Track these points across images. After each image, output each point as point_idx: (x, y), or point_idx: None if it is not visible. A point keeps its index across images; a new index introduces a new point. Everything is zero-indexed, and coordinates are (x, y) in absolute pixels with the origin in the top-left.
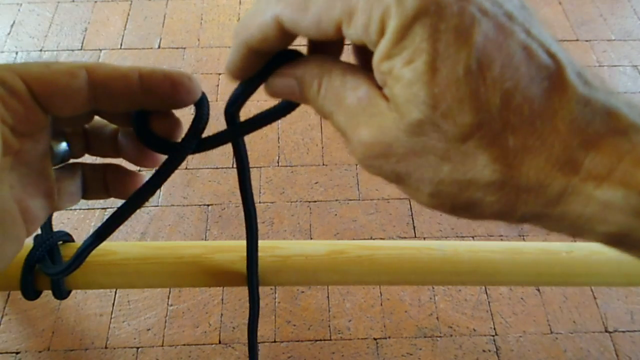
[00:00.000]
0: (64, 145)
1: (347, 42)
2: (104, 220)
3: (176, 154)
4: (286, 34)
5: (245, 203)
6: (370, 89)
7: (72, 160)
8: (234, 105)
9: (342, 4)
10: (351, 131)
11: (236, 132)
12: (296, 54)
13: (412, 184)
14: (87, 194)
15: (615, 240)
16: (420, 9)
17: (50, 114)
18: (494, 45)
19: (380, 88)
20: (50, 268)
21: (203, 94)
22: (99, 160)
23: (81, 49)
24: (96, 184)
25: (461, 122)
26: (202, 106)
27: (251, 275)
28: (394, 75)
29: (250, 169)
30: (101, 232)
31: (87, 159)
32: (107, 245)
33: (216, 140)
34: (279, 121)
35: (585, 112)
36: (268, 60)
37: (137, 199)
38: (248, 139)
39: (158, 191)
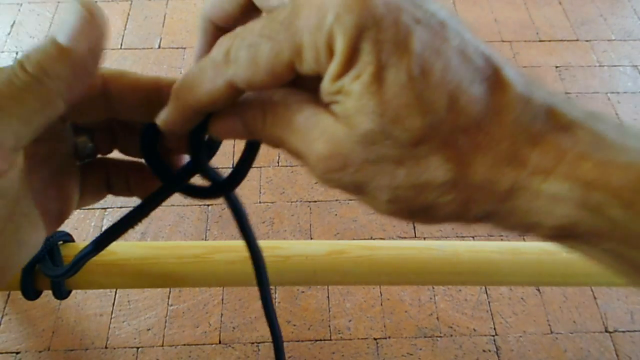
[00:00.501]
0: (88, 142)
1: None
2: (102, 231)
3: (170, 186)
4: (238, 93)
5: (253, 253)
6: (314, 107)
7: (99, 156)
8: (202, 161)
9: (288, 45)
10: (306, 148)
11: (221, 190)
12: None
13: (370, 193)
14: (112, 191)
15: (564, 234)
16: (359, 25)
17: (67, 120)
18: (432, 51)
19: (323, 105)
20: (50, 269)
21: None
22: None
23: None
24: (120, 181)
25: (410, 127)
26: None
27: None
28: (344, 91)
29: (251, 169)
30: (99, 243)
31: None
32: (108, 245)
33: (202, 193)
34: None
35: (527, 110)
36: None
37: (133, 216)
38: None
39: None
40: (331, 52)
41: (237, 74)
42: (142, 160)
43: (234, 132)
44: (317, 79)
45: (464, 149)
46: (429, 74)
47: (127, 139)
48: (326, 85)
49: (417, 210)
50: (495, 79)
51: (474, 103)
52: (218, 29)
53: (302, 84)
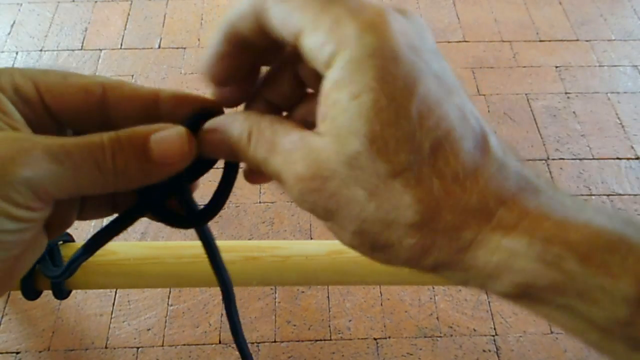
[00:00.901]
0: None
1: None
2: (91, 235)
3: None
4: (258, 24)
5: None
6: (302, 132)
7: None
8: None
9: (313, 15)
10: (287, 169)
11: (198, 220)
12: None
13: (338, 221)
14: (117, 210)
15: (521, 291)
16: (377, 49)
17: (62, 126)
18: (435, 100)
19: (310, 131)
20: (50, 269)
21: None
22: None
23: (81, 49)
24: (127, 202)
25: (394, 160)
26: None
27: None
28: (340, 106)
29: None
30: (90, 246)
31: None
32: (107, 245)
33: (177, 221)
34: None
35: (500, 173)
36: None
37: (126, 217)
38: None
39: None
40: (337, 51)
41: (271, 3)
42: None
43: (219, 150)
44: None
45: (437, 193)
46: (424, 119)
47: None
48: (327, 90)
49: (379, 247)
50: (482, 141)
51: (457, 155)
52: (239, 41)
53: (292, 112)
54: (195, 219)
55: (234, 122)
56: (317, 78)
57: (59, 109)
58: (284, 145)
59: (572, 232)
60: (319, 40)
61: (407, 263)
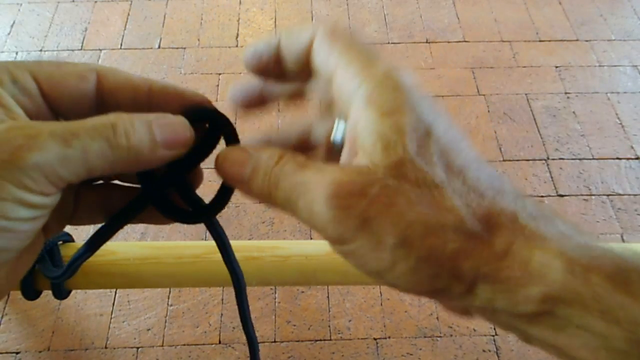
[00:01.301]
0: None
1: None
2: (94, 232)
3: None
4: (304, 50)
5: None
6: (325, 161)
7: (100, 182)
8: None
9: (348, 58)
10: (320, 183)
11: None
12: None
13: (376, 232)
14: (109, 214)
15: (547, 307)
16: (402, 82)
17: (59, 116)
18: (450, 138)
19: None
20: (49, 269)
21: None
22: None
23: (81, 49)
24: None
25: (437, 168)
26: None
27: None
28: (369, 124)
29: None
30: (93, 243)
31: None
32: (107, 245)
33: (182, 215)
34: (279, 120)
35: (518, 201)
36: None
37: (126, 213)
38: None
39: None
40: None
41: (324, 31)
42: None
43: (238, 180)
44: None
45: (469, 202)
46: (447, 141)
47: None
48: (360, 108)
49: (423, 259)
50: (496, 173)
51: (479, 178)
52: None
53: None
54: (201, 213)
55: (264, 150)
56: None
57: (57, 96)
58: (317, 164)
59: (596, 251)
60: (351, 73)
61: (451, 274)
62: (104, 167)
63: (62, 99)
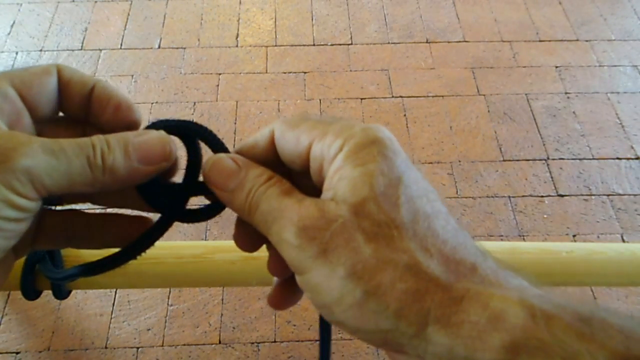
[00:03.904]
0: None
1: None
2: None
3: (170, 215)
4: (268, 148)
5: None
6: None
7: (69, 207)
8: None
9: (320, 131)
10: (294, 210)
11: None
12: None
13: (331, 262)
14: (71, 243)
15: (509, 356)
16: (378, 139)
17: (34, 119)
18: (416, 192)
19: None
20: (49, 270)
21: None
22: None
23: (81, 49)
24: (83, 233)
25: (395, 212)
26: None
27: None
28: (346, 173)
29: None
30: (89, 270)
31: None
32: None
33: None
34: None
35: (470, 248)
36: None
37: (134, 249)
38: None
39: None
40: (342, 146)
41: (280, 125)
42: (115, 211)
43: (225, 175)
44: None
45: (427, 246)
46: (414, 191)
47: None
48: (331, 172)
49: (370, 291)
50: (455, 224)
51: (435, 225)
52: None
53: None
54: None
55: (254, 167)
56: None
57: (31, 94)
58: (299, 195)
59: (556, 300)
60: (328, 141)
61: (398, 313)
62: (85, 182)
63: (34, 95)
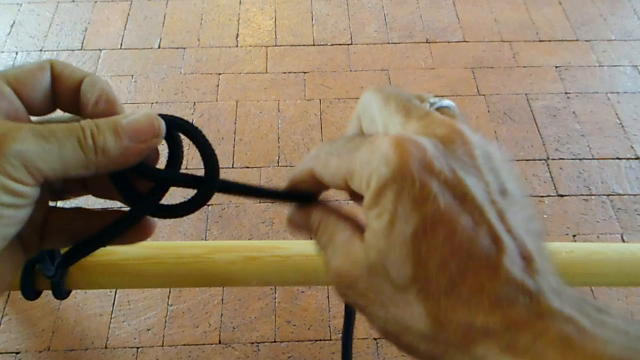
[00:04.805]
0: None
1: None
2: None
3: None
4: (316, 181)
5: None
6: (352, 233)
7: (73, 206)
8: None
9: (346, 167)
10: (332, 261)
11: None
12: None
13: (369, 316)
14: (74, 239)
15: None
16: (390, 177)
17: (31, 115)
18: (443, 219)
19: (360, 234)
20: (49, 269)
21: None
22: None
23: (81, 49)
24: (88, 230)
25: (402, 273)
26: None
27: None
28: (369, 223)
29: (251, 169)
30: (68, 258)
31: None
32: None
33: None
34: (279, 121)
35: (511, 293)
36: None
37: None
38: (248, 138)
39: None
40: (368, 186)
41: (315, 166)
42: (116, 208)
43: (301, 225)
44: None
45: (445, 309)
46: (431, 237)
47: (96, 180)
48: (363, 211)
49: (402, 346)
50: (492, 261)
51: (462, 274)
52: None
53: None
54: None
55: (315, 211)
56: None
57: (26, 91)
58: (338, 239)
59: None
60: (357, 183)
61: None
62: (79, 165)
63: (29, 92)
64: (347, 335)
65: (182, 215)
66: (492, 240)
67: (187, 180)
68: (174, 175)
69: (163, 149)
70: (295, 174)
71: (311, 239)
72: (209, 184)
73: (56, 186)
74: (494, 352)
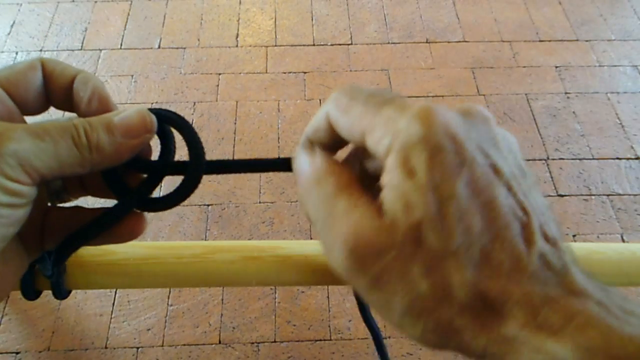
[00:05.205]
0: (56, 181)
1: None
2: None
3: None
4: (331, 133)
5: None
6: (370, 201)
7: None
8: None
9: (370, 120)
10: (344, 224)
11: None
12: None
13: (387, 296)
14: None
15: None
16: (423, 138)
17: (24, 115)
18: (482, 185)
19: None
20: (49, 269)
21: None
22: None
23: (81, 49)
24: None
25: (449, 237)
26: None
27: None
28: (398, 186)
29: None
30: (61, 251)
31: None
32: (107, 245)
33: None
34: (279, 121)
35: (543, 269)
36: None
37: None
38: (248, 138)
39: (159, 190)
40: (391, 145)
41: (332, 110)
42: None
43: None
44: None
45: (485, 278)
46: (472, 200)
47: (94, 180)
48: (384, 175)
49: (429, 330)
50: (528, 233)
51: (503, 244)
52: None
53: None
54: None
55: (324, 158)
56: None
57: (18, 92)
58: (352, 198)
59: (616, 346)
60: (377, 137)
61: (459, 346)
62: (74, 162)
63: (22, 93)
64: (372, 327)
65: (172, 206)
66: (524, 213)
67: (172, 167)
68: (157, 164)
69: (157, 145)
70: (311, 123)
71: (303, 189)
72: (195, 167)
73: (55, 187)
74: (529, 329)
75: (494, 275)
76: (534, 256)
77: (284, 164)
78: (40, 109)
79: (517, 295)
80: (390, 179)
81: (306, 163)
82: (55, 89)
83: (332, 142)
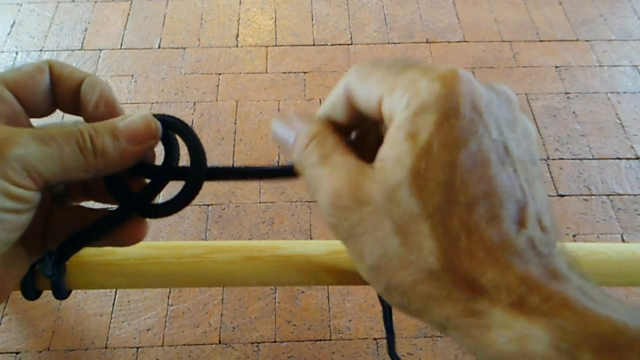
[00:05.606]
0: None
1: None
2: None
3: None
4: (348, 106)
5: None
6: (358, 159)
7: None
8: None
9: (391, 82)
10: (328, 181)
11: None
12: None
13: (358, 248)
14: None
15: None
16: (443, 97)
17: (31, 118)
18: (484, 160)
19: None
20: (49, 269)
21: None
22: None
23: (81, 49)
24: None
25: (428, 201)
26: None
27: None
28: (396, 143)
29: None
30: (62, 254)
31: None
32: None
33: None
34: None
35: (529, 253)
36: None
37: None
38: (248, 138)
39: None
40: (408, 102)
41: (351, 79)
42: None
43: (279, 136)
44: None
45: (462, 250)
46: (469, 172)
47: (97, 184)
48: (392, 129)
49: (392, 286)
50: (520, 216)
51: (491, 221)
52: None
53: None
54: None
55: (309, 122)
56: None
57: (25, 94)
58: (337, 160)
59: (591, 325)
60: (396, 98)
61: (418, 312)
62: (79, 168)
63: (29, 95)
64: (389, 330)
65: (172, 212)
66: (523, 196)
67: (173, 173)
68: (158, 169)
69: (161, 150)
70: (328, 98)
71: (289, 149)
72: (196, 173)
73: (57, 192)
74: (501, 306)
75: (472, 249)
76: (523, 237)
77: (287, 171)
78: (47, 111)
79: (492, 272)
80: (391, 136)
81: (305, 126)
82: (62, 92)
83: (348, 120)
